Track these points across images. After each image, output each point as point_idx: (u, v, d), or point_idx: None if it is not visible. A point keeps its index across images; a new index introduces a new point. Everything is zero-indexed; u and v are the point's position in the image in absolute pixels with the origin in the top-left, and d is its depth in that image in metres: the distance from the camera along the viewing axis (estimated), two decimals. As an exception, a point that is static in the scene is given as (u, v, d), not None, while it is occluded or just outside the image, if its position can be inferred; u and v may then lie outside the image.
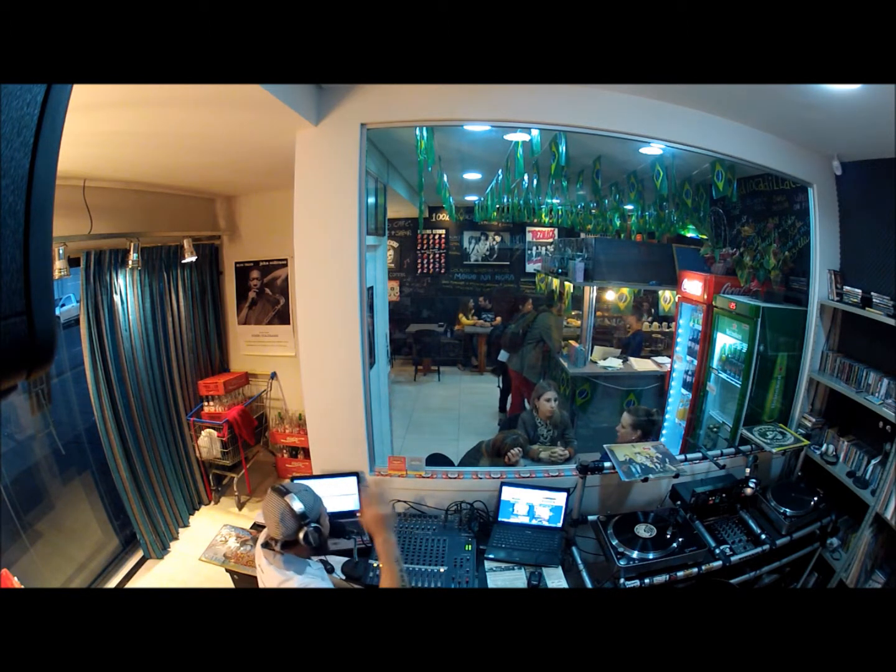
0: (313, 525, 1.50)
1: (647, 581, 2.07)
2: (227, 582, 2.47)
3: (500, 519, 2.41)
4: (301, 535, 1.49)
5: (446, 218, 7.83)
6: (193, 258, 3.53)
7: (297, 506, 1.50)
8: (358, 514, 1.54)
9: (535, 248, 8.09)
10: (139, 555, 3.23)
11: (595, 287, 4.74)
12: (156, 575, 3.14)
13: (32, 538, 2.73)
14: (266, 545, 1.57)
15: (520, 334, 5.06)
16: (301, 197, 2.29)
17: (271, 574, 1.53)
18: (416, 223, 7.77)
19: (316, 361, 2.46)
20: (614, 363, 4.65)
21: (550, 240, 7.88)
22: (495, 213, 5.71)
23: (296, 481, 1.67)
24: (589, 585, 2.08)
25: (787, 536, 2.31)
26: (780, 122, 2.41)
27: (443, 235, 8.12)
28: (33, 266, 0.34)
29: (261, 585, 1.62)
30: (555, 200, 5.42)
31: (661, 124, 2.38)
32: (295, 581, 1.48)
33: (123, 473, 3.11)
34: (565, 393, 4.52)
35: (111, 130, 1.98)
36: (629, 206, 4.81)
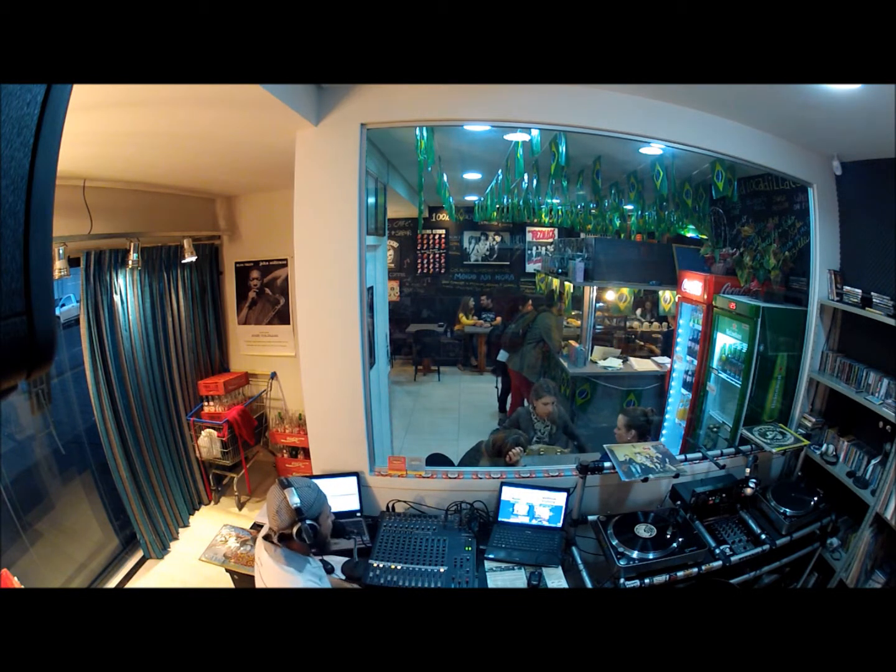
0: (308, 522, 1.51)
1: (647, 581, 2.07)
2: (227, 582, 2.47)
3: (500, 519, 2.41)
4: (294, 531, 1.51)
5: (446, 218, 7.83)
6: (193, 258, 3.53)
7: (294, 500, 1.51)
8: None
9: (535, 248, 8.08)
10: (139, 555, 3.24)
11: (595, 287, 4.74)
12: (156, 575, 3.14)
13: (32, 538, 2.73)
14: (267, 537, 1.59)
15: (520, 334, 5.07)
16: (301, 197, 2.29)
17: (271, 568, 1.54)
18: (416, 223, 7.77)
19: (316, 361, 2.46)
20: (614, 363, 4.65)
21: (550, 240, 7.88)
22: (495, 213, 5.70)
23: (303, 478, 1.69)
24: (589, 585, 2.08)
25: (787, 536, 2.31)
26: (780, 122, 2.41)
27: (443, 235, 8.11)
28: (33, 266, 0.34)
29: (257, 577, 1.64)
30: (555, 200, 5.41)
31: (661, 124, 2.38)
32: (297, 581, 1.49)
33: (123, 473, 3.11)
34: (565, 393, 4.52)
35: (111, 130, 1.98)
36: (629, 206, 4.80)
